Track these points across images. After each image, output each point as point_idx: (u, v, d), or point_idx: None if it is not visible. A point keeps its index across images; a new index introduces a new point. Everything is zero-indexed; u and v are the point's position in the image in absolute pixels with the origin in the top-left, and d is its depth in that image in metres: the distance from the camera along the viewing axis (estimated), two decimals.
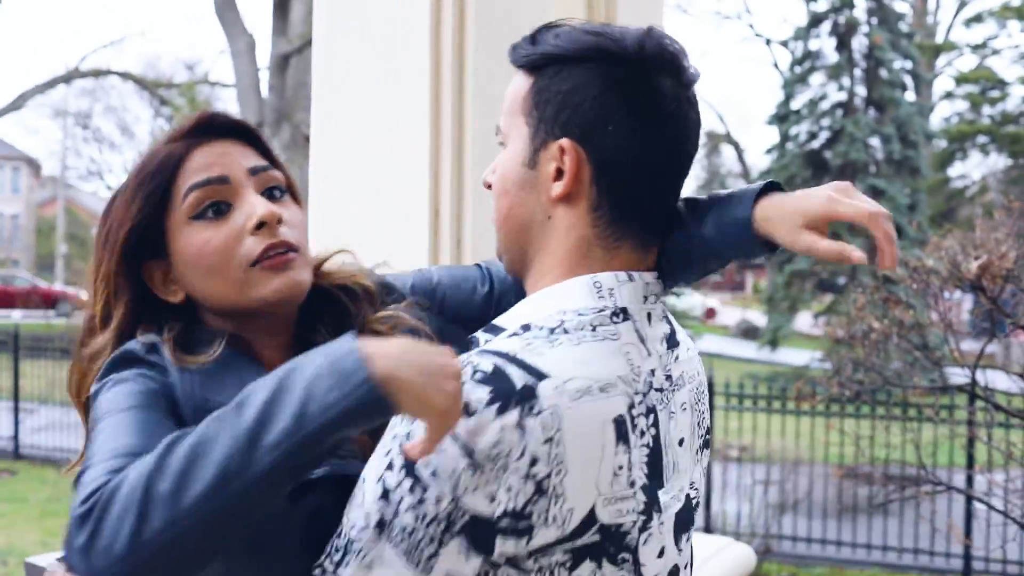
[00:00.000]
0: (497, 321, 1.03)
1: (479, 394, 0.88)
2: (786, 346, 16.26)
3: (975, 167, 24.65)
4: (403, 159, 2.23)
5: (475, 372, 0.90)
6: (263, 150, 1.13)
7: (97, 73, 28.64)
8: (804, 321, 16.90)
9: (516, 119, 1.04)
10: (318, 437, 0.81)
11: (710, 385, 6.79)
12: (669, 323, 1.08)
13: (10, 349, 9.45)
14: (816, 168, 16.07)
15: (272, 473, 0.81)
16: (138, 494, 0.81)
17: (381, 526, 0.89)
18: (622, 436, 0.94)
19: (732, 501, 6.99)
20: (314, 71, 2.36)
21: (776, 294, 15.98)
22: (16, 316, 22.48)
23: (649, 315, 1.03)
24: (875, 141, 15.74)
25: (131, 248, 1.07)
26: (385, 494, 0.89)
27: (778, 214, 1.02)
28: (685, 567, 1.08)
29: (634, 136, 0.98)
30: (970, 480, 5.30)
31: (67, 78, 27.58)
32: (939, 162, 21.84)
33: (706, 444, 1.16)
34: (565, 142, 0.99)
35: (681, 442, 1.05)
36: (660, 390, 1.01)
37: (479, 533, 0.88)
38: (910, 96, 16.57)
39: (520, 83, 1.04)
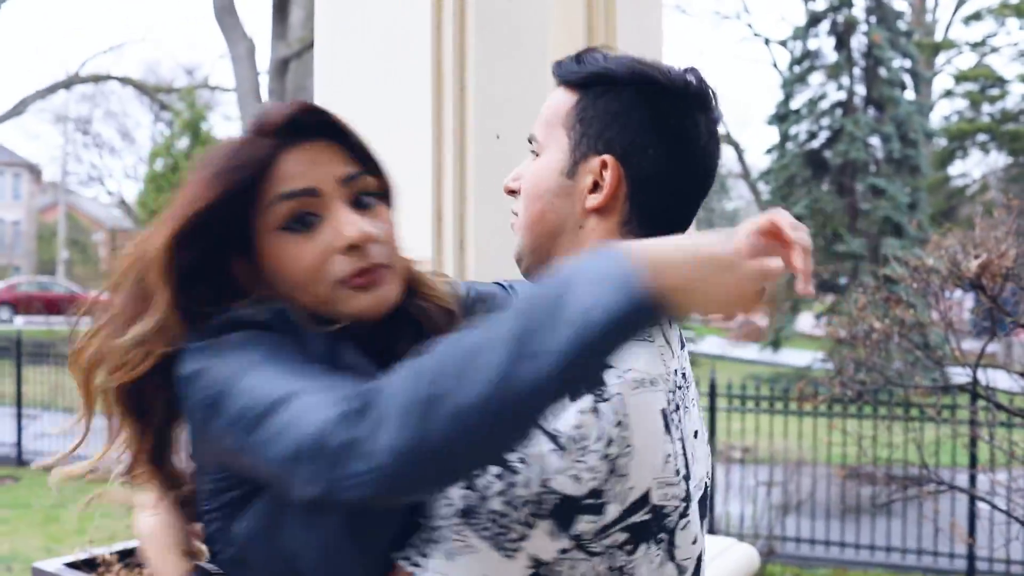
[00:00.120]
0: None
1: None
2: (788, 347, 16.27)
3: (975, 165, 24.59)
4: (405, 162, 2.21)
5: None
6: (355, 149, 1.08)
7: (97, 78, 28.77)
8: (806, 322, 16.88)
9: (556, 131, 1.11)
10: (601, 344, 0.81)
11: (713, 387, 6.80)
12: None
13: (12, 355, 9.46)
14: (816, 167, 16.07)
15: (552, 380, 0.79)
16: (424, 390, 0.79)
17: (466, 514, 0.94)
18: (668, 427, 1.02)
19: (735, 502, 6.99)
20: (316, 73, 2.36)
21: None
22: (19, 322, 22.46)
23: (669, 320, 1.08)
24: (875, 140, 15.73)
25: (195, 229, 1.01)
26: (470, 483, 0.94)
27: None
28: (703, 555, 1.14)
29: (669, 161, 1.08)
30: (973, 480, 5.28)
31: (67, 83, 27.69)
32: (939, 161, 21.83)
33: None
34: (608, 158, 1.07)
35: (696, 434, 1.12)
36: (680, 388, 1.09)
37: (565, 513, 0.93)
38: (910, 95, 16.53)
39: (563, 97, 1.12)
